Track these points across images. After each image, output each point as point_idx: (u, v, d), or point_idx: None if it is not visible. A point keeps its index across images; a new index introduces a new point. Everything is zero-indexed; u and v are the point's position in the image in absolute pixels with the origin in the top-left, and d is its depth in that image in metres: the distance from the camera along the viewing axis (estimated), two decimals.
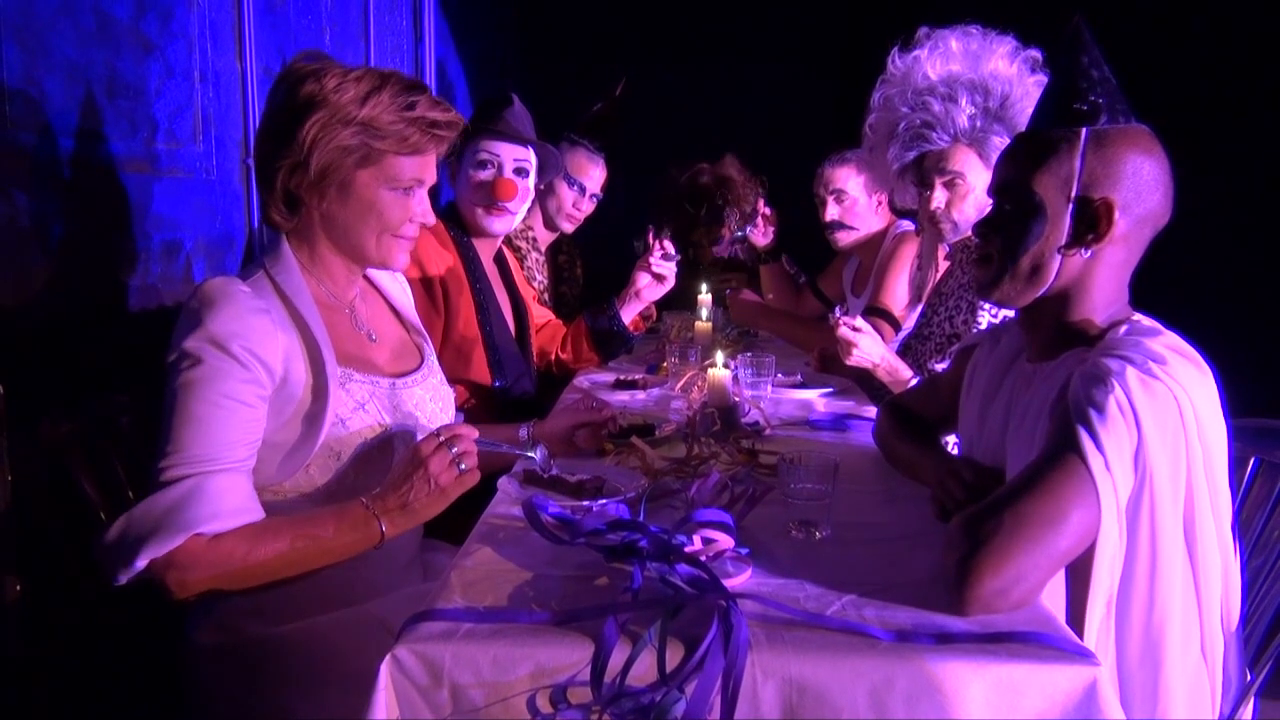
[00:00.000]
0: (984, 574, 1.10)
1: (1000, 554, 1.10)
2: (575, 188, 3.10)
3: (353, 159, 1.45)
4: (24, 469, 1.40)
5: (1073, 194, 1.30)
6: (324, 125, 1.42)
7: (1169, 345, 1.24)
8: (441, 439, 1.37)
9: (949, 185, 2.19)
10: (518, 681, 1.02)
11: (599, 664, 1.01)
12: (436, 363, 1.74)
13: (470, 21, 4.68)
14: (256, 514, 1.34)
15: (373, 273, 1.69)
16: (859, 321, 2.16)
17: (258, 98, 2.52)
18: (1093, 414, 1.17)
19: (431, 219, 1.56)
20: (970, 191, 2.18)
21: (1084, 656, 1.02)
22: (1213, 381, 1.24)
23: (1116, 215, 1.28)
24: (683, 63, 5.42)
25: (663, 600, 1.09)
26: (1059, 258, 1.32)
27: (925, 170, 2.21)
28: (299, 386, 1.41)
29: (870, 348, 2.15)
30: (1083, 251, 1.31)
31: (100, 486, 1.55)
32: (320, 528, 1.36)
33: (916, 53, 2.16)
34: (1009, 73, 2.12)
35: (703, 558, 1.19)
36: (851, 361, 2.17)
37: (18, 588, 1.38)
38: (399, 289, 1.77)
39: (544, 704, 1.02)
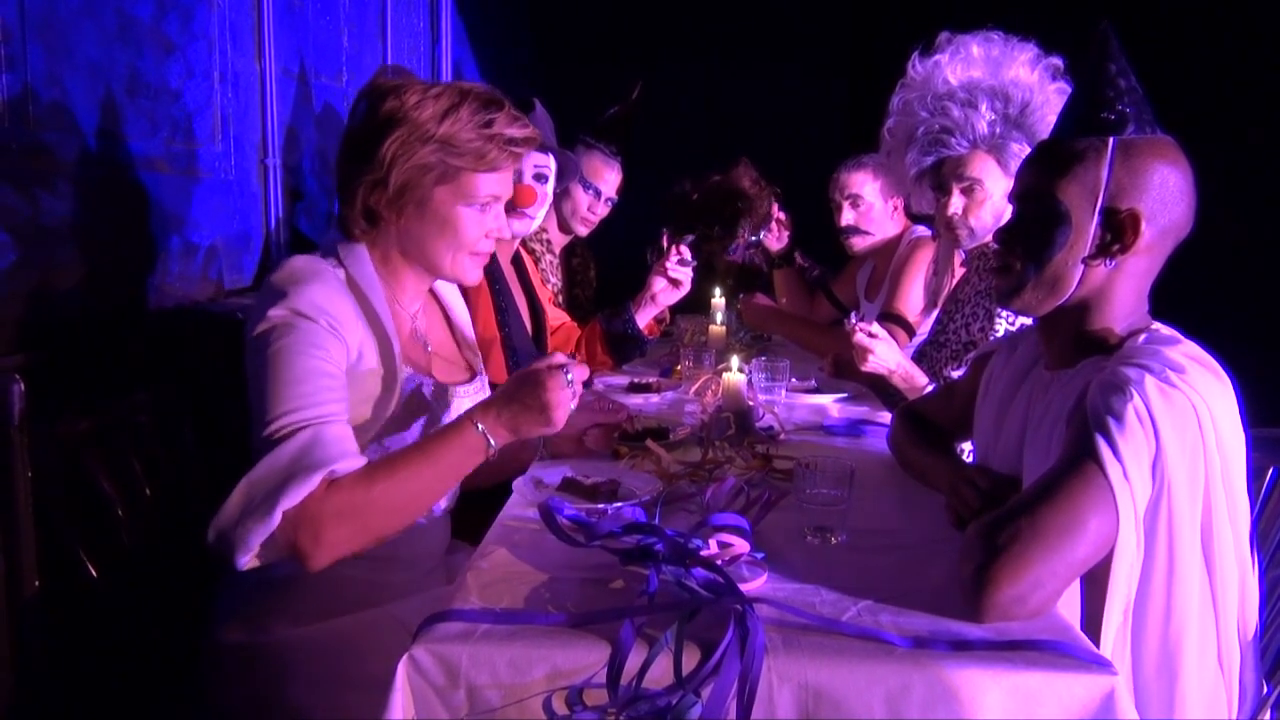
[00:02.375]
0: (1001, 581, 1.09)
1: (1017, 562, 1.10)
2: (590, 191, 3.10)
3: (431, 176, 1.46)
4: (43, 466, 1.41)
5: (1099, 204, 1.29)
6: (403, 143, 1.43)
7: (1188, 354, 1.24)
8: (560, 364, 1.37)
9: (966, 191, 2.19)
10: (534, 683, 1.02)
11: (615, 666, 1.01)
12: (486, 377, 1.75)
13: (486, 23, 4.70)
14: (364, 461, 1.33)
15: (437, 285, 1.70)
16: (875, 327, 2.15)
17: (276, 98, 2.54)
18: (1111, 422, 1.16)
19: (507, 234, 1.57)
20: (988, 198, 2.18)
21: (1101, 665, 1.02)
22: (1232, 391, 1.23)
23: (1143, 226, 1.28)
24: (698, 65, 5.41)
25: (679, 604, 1.09)
26: (1082, 267, 1.31)
27: (943, 176, 2.21)
28: (366, 374, 1.43)
29: (886, 354, 2.14)
30: (1107, 262, 1.31)
31: (118, 484, 1.57)
32: (430, 451, 1.34)
33: (937, 58, 2.16)
34: (1030, 80, 2.11)
35: (719, 562, 1.19)
36: (867, 367, 2.16)
37: (36, 583, 1.39)
38: (459, 303, 1.78)
39: (560, 706, 1.02)
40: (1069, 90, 2.08)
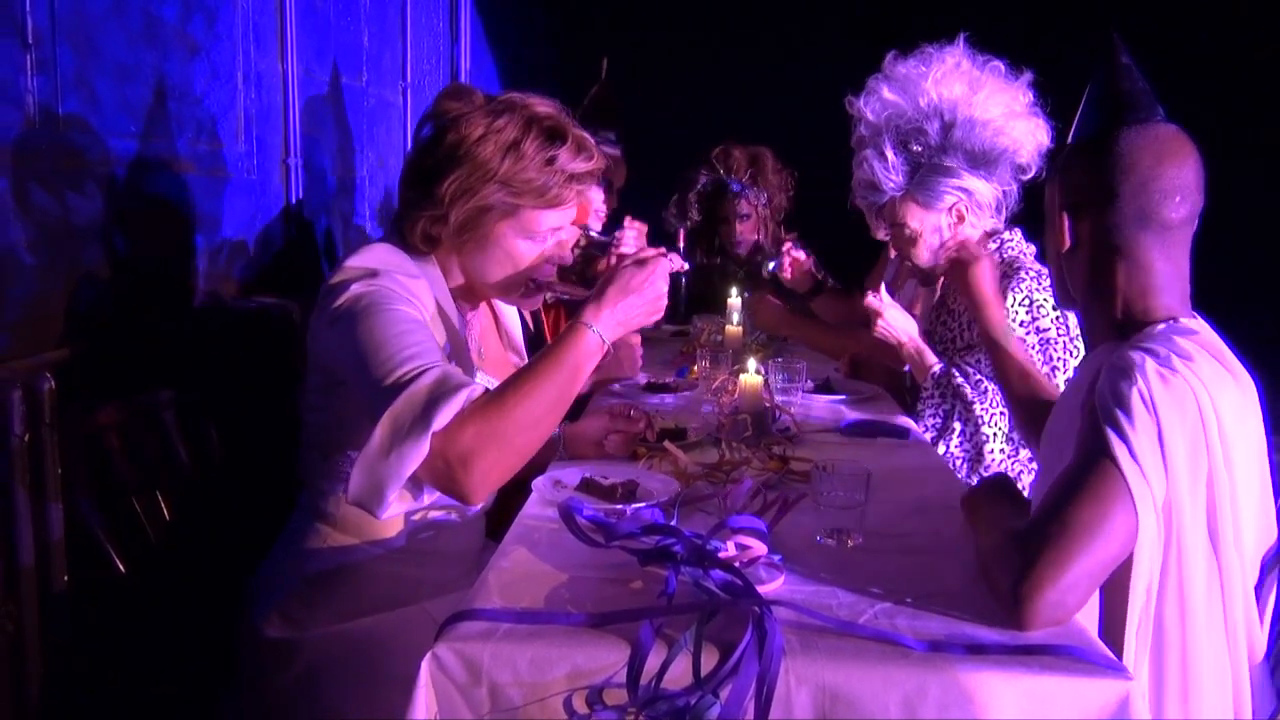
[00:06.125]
0: (1044, 587, 1.09)
1: (1056, 567, 1.10)
2: (601, 183, 3.08)
3: (493, 215, 1.47)
4: (72, 462, 1.44)
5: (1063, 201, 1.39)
6: (463, 182, 1.44)
7: (1201, 343, 1.25)
8: (665, 252, 1.41)
9: (896, 234, 2.30)
10: (555, 682, 1.04)
11: (635, 666, 1.03)
12: None
13: (505, 22, 4.71)
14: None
15: None
16: (885, 297, 2.24)
17: (298, 98, 2.56)
18: (1119, 414, 1.17)
19: (569, 259, 1.57)
20: (917, 236, 2.27)
21: (1116, 670, 1.03)
22: (1250, 386, 1.24)
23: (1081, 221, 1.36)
24: (716, 63, 5.41)
25: (698, 605, 1.10)
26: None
27: (881, 218, 2.33)
28: None
29: (897, 320, 2.23)
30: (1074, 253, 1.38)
31: (144, 481, 1.59)
32: (552, 360, 1.33)
33: (859, 104, 2.22)
34: (951, 95, 2.12)
35: (737, 563, 1.20)
36: (878, 333, 2.24)
37: (65, 578, 1.42)
38: (513, 313, 1.80)
39: (580, 705, 1.04)
40: (1003, 76, 2.12)
